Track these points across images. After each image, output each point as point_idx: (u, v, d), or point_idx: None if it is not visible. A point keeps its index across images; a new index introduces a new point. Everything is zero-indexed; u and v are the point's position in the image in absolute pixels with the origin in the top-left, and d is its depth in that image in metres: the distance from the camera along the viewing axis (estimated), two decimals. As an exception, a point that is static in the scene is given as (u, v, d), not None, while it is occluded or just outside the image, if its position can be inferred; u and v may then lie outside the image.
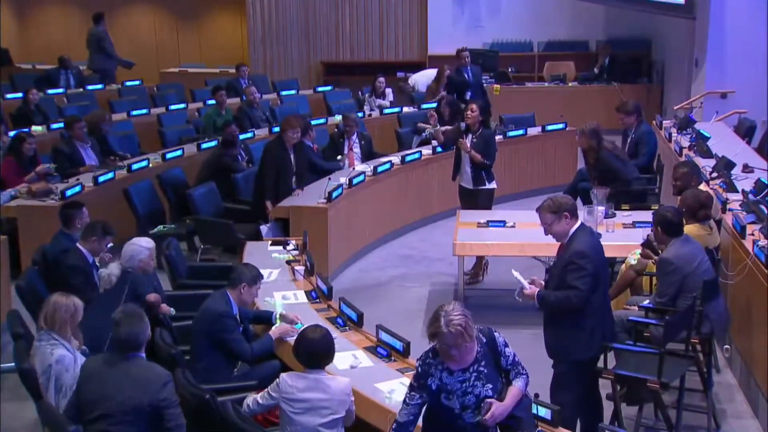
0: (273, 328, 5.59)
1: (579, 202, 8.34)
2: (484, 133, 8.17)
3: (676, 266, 5.60)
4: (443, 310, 3.96)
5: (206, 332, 5.35)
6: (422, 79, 14.27)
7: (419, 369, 4.12)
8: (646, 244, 6.22)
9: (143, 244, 6.06)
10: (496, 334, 4.15)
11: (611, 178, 8.03)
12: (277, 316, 5.71)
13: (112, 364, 4.41)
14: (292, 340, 5.35)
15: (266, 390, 4.58)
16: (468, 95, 12.32)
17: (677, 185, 6.95)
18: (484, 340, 4.07)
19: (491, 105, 12.26)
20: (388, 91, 13.26)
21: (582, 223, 5.11)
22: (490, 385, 4.02)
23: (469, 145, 8.08)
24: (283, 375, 4.56)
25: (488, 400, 4.00)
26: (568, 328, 5.04)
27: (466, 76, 12.49)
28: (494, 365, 4.08)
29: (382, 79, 13.19)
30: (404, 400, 4.15)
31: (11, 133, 10.17)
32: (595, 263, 4.93)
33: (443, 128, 9.49)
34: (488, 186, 8.21)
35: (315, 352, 4.50)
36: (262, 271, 6.48)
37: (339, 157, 9.72)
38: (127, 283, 5.84)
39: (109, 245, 6.38)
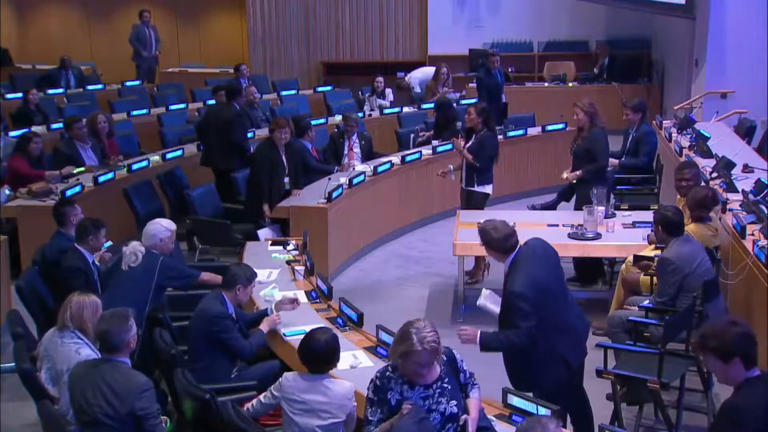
0: (262, 322, 5.58)
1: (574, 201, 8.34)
2: (482, 135, 8.14)
3: (676, 266, 5.60)
4: (414, 327, 3.85)
5: (204, 334, 5.34)
6: (418, 75, 14.28)
7: (377, 382, 4.02)
8: (638, 259, 6.23)
9: (164, 224, 6.14)
10: (453, 351, 4.15)
11: (590, 159, 7.84)
12: (272, 308, 5.71)
13: (94, 369, 4.39)
14: (281, 328, 5.48)
15: (269, 389, 4.58)
16: (503, 98, 12.34)
17: (689, 185, 6.85)
18: (445, 359, 4.05)
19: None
20: (388, 91, 13.29)
21: (521, 251, 4.85)
22: (455, 402, 3.97)
23: (467, 145, 8.09)
24: (285, 374, 4.56)
25: (463, 416, 3.97)
26: (521, 361, 4.83)
27: (498, 78, 12.46)
28: (456, 382, 4.06)
29: (380, 79, 13.22)
30: (366, 417, 4.03)
31: (12, 133, 10.19)
32: (534, 299, 4.65)
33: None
34: (478, 189, 8.15)
35: (317, 356, 4.47)
36: (262, 271, 6.51)
37: (342, 158, 9.72)
38: (156, 267, 5.89)
39: (106, 242, 6.38)
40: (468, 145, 8.08)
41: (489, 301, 5.00)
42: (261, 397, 4.62)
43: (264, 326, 5.54)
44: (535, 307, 4.68)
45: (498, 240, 4.83)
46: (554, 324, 4.82)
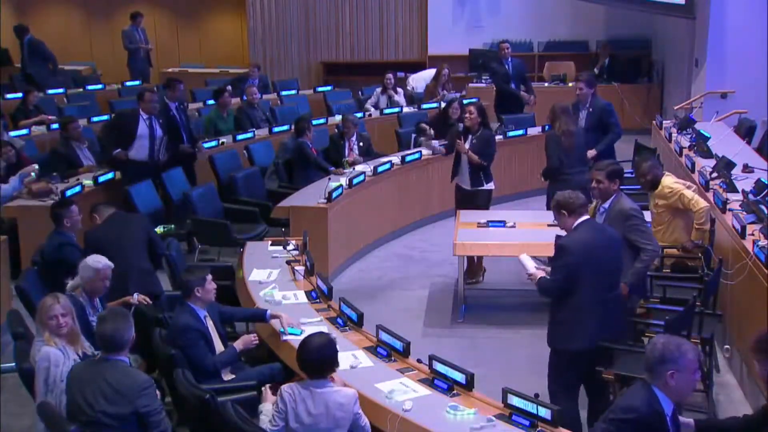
0: (238, 339, 5.53)
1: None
2: (484, 134, 8.16)
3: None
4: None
5: (173, 346, 5.25)
6: (421, 79, 14.26)
7: None
8: None
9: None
10: None
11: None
12: (270, 313, 5.68)
13: (93, 369, 4.40)
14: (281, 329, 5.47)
15: (273, 408, 4.47)
16: (512, 86, 12.38)
17: (648, 180, 6.70)
18: None
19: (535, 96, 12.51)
20: (399, 90, 13.21)
21: (587, 219, 5.30)
22: None
23: (468, 146, 8.08)
24: (282, 387, 4.47)
25: None
26: (553, 318, 5.32)
27: (507, 67, 12.49)
28: None
29: (390, 75, 13.16)
30: None
31: (12, 133, 10.18)
32: (576, 258, 5.08)
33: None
34: (486, 187, 8.19)
35: (310, 364, 4.41)
36: (262, 271, 6.52)
37: (345, 158, 9.70)
38: None
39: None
40: (472, 147, 8.07)
41: (528, 260, 5.55)
42: (268, 422, 4.47)
43: (239, 345, 5.48)
44: (575, 267, 5.06)
45: (566, 199, 5.23)
46: (592, 300, 5.10)
